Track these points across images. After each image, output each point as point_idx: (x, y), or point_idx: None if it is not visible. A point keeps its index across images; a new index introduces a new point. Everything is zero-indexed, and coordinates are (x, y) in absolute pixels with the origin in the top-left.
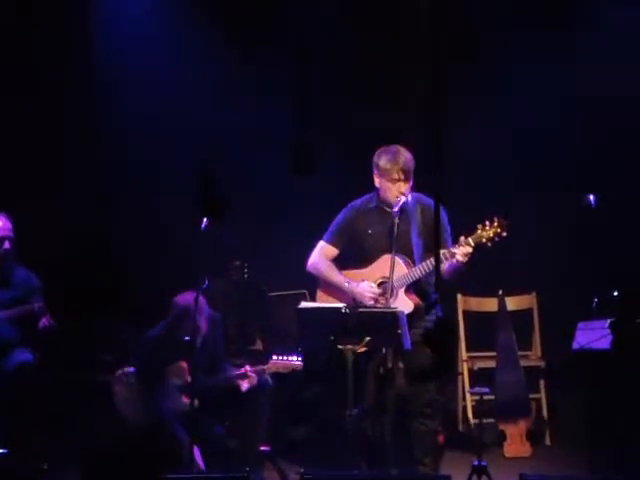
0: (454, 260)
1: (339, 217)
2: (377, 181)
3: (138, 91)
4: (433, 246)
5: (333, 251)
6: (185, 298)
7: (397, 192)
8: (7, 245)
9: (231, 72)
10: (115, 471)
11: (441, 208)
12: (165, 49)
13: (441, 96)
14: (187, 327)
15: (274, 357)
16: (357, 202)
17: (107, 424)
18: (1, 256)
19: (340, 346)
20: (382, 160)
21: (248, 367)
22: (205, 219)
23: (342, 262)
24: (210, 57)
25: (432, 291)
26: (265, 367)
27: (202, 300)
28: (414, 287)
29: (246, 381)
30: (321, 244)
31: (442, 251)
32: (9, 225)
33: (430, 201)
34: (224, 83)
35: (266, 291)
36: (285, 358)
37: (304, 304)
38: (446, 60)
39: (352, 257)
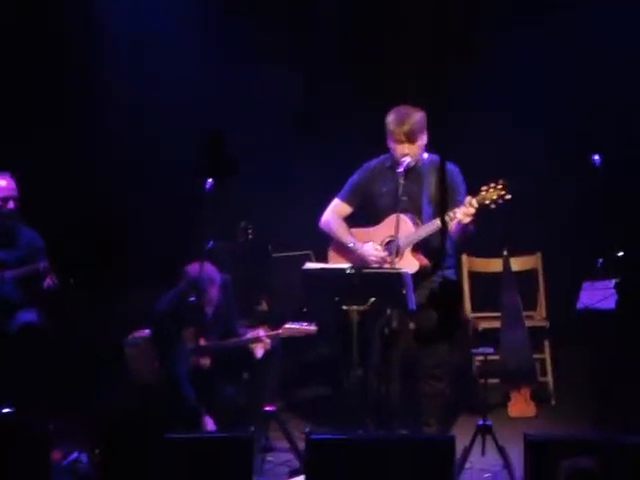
0: (456, 221)
1: (354, 175)
2: (387, 140)
3: (141, 57)
4: (447, 207)
5: (346, 209)
6: (196, 268)
7: (401, 153)
8: (11, 205)
9: (234, 37)
10: (124, 431)
11: (456, 170)
12: (170, 15)
13: (441, 93)
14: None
15: (288, 323)
16: (373, 161)
17: (115, 386)
18: (5, 216)
19: (345, 307)
20: (389, 120)
21: (262, 332)
22: (210, 179)
23: (358, 221)
24: (214, 23)
25: (444, 253)
26: (279, 332)
27: (212, 268)
28: (424, 247)
29: (260, 346)
30: (335, 202)
31: (449, 212)
32: (13, 185)
33: (447, 162)
34: (227, 46)
35: (271, 252)
36: (299, 324)
37: (309, 265)
38: (446, 57)
39: (367, 216)
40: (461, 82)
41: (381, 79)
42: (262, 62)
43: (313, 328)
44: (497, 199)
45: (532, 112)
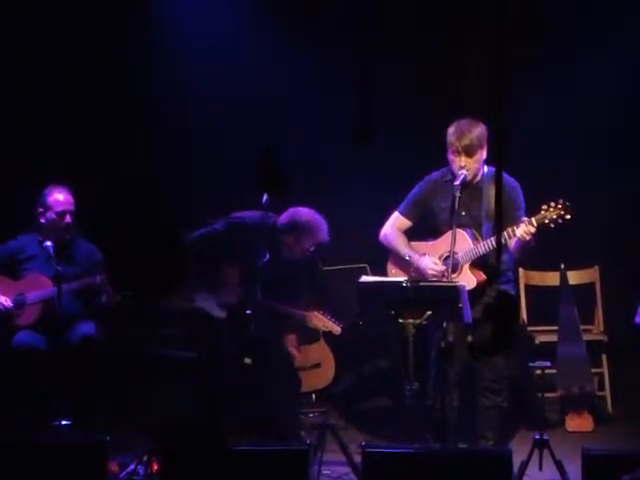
0: (515, 239)
1: (415, 188)
2: (448, 153)
3: (197, 60)
4: (505, 223)
5: (406, 223)
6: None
7: (458, 165)
8: (68, 219)
9: (293, 40)
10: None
11: (514, 185)
12: (227, 16)
13: (502, 64)
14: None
15: (320, 313)
16: (434, 174)
17: (169, 397)
18: (63, 230)
19: (401, 320)
20: (449, 132)
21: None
22: (266, 195)
23: (418, 235)
24: (272, 26)
25: (501, 268)
26: (307, 314)
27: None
28: (482, 263)
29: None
30: (395, 215)
31: (508, 229)
32: (70, 199)
33: (506, 178)
34: (285, 51)
35: (320, 264)
36: (328, 317)
37: (365, 278)
38: (508, 29)
39: (427, 230)
40: (521, 95)
41: (443, 92)
42: (322, 75)
43: (338, 329)
44: (557, 219)
45: (595, 126)
